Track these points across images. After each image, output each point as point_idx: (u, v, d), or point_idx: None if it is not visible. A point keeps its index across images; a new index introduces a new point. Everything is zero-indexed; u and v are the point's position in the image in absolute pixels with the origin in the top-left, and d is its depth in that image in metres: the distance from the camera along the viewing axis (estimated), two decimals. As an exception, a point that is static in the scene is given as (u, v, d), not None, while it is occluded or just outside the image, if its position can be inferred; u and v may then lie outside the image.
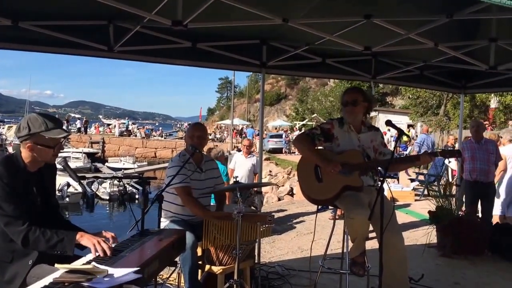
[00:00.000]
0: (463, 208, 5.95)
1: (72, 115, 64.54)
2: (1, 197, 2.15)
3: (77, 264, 1.99)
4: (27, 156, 2.31)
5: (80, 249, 2.25)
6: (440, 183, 8.36)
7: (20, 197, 2.23)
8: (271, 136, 29.48)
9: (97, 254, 2.14)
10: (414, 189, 10.97)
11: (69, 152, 25.23)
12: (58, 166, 2.57)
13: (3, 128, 46.02)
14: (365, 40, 4.02)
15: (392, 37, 3.80)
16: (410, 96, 29.00)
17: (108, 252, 2.15)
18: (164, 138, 40.55)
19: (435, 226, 5.75)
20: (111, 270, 1.81)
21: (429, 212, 5.85)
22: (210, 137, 38.02)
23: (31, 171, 2.35)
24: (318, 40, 4.08)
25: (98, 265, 1.83)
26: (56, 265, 1.88)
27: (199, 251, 3.33)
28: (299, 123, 38.09)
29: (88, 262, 1.99)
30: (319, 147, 3.44)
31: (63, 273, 1.80)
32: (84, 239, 2.21)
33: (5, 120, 72.07)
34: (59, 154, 2.46)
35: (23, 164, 2.31)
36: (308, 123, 36.13)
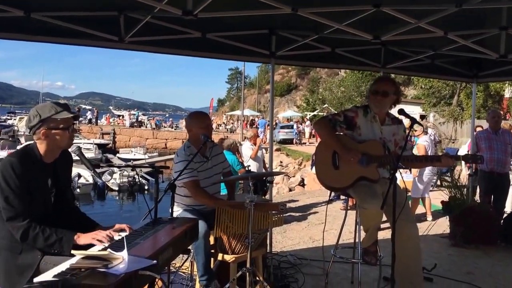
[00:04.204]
0: (476, 198, 5.91)
1: (83, 106, 65.08)
2: (10, 189, 2.17)
3: (94, 251, 2.02)
4: (42, 147, 2.33)
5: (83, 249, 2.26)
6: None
7: (33, 188, 2.25)
8: (282, 127, 29.41)
9: (103, 244, 2.16)
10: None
11: (80, 143, 25.49)
12: (73, 155, 2.59)
13: (14, 119, 46.66)
14: (375, 29, 3.99)
15: (402, 26, 3.76)
16: (423, 86, 28.61)
17: (108, 238, 2.18)
18: (174, 129, 40.72)
19: (447, 216, 5.72)
20: (126, 257, 1.83)
21: (442, 202, 5.82)
22: (220, 128, 38.13)
23: (47, 163, 2.37)
24: (327, 29, 4.06)
25: (114, 252, 1.86)
26: (73, 251, 1.92)
27: (211, 240, 3.36)
28: (309, 114, 37.92)
29: (104, 249, 2.02)
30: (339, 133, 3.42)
31: (80, 259, 1.83)
32: (81, 238, 2.22)
33: (17, 111, 72.94)
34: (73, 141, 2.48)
35: (40, 155, 2.33)
36: (319, 113, 35.95)
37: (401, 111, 3.17)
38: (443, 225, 5.87)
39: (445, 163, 3.26)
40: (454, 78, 6.64)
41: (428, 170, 6.67)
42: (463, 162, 10.85)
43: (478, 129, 7.96)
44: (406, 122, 3.41)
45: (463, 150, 9.67)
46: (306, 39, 4.38)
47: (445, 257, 4.94)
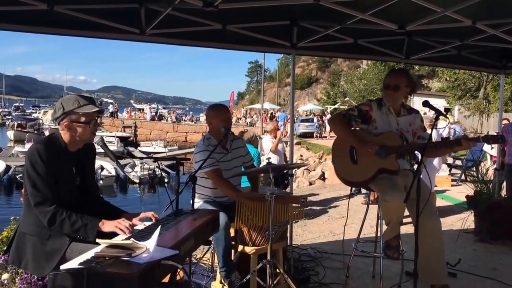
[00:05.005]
0: (503, 193, 5.76)
1: (105, 100, 66.12)
2: (38, 174, 2.22)
3: (118, 240, 2.05)
4: (66, 137, 2.38)
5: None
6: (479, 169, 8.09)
7: (59, 176, 2.30)
8: (302, 120, 29.26)
9: (125, 234, 2.19)
10: (451, 174, 10.68)
11: (103, 136, 25.84)
12: (97, 147, 2.63)
13: (39, 112, 47.88)
14: (399, 19, 3.89)
15: (427, 15, 3.66)
16: (448, 79, 27.99)
17: (130, 228, 2.22)
18: (194, 122, 41.02)
19: (472, 211, 5.59)
20: (149, 246, 1.85)
21: (467, 196, 5.69)
22: (240, 121, 38.15)
23: (71, 152, 2.41)
24: (350, 19, 3.98)
25: (137, 241, 1.88)
26: (98, 240, 1.95)
27: (232, 232, 3.36)
28: (330, 107, 37.61)
29: (128, 238, 2.05)
30: (356, 128, 3.38)
31: (104, 248, 1.86)
32: (105, 225, 2.26)
33: (41, 105, 74.89)
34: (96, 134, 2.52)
35: (64, 144, 2.38)
36: (340, 107, 35.63)
37: (426, 103, 3.09)
38: (467, 220, 5.74)
39: (465, 146, 3.18)
40: (481, 69, 6.45)
41: (435, 162, 6.48)
42: (488, 157, 10.69)
43: (505, 122, 7.73)
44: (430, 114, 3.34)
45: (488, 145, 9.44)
46: (328, 30, 4.30)
47: (469, 252, 4.84)
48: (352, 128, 3.36)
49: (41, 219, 2.24)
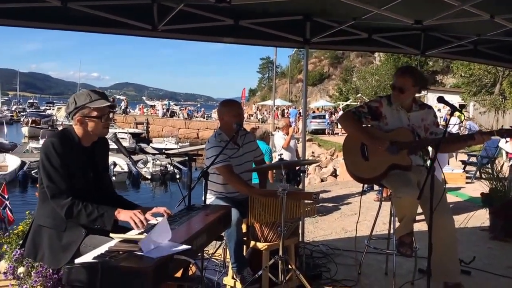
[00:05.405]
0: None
1: (117, 96, 66.75)
2: (53, 167, 2.25)
3: (131, 234, 2.06)
4: (79, 131, 2.40)
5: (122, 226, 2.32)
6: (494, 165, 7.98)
7: (73, 170, 2.32)
8: (314, 117, 29.13)
9: (138, 228, 2.20)
10: (465, 171, 10.54)
11: (115, 132, 25.96)
12: (110, 143, 2.66)
13: (53, 109, 48.57)
14: (415, 13, 3.83)
15: (445, 9, 3.59)
16: (463, 74, 27.55)
17: (144, 223, 2.22)
18: (206, 119, 41.15)
19: (487, 209, 5.51)
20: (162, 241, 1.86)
21: (482, 194, 5.61)
22: (252, 118, 38.13)
23: (85, 146, 2.44)
24: (365, 14, 3.93)
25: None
26: (111, 235, 1.97)
27: (244, 228, 3.36)
28: (342, 104, 37.36)
29: (141, 233, 2.06)
30: (366, 125, 3.35)
31: (118, 242, 1.88)
32: (121, 214, 2.28)
33: (55, 101, 76.05)
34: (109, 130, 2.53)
35: (77, 138, 2.40)
36: (352, 103, 35.37)
37: (440, 99, 3.04)
38: (482, 218, 5.66)
39: (479, 141, 3.12)
40: (497, 63, 6.30)
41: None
42: (504, 154, 10.52)
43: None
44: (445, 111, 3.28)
45: (504, 140, 9.31)
46: (342, 25, 4.26)
47: (484, 250, 4.77)
48: (363, 125, 3.33)
49: (58, 211, 2.27)
